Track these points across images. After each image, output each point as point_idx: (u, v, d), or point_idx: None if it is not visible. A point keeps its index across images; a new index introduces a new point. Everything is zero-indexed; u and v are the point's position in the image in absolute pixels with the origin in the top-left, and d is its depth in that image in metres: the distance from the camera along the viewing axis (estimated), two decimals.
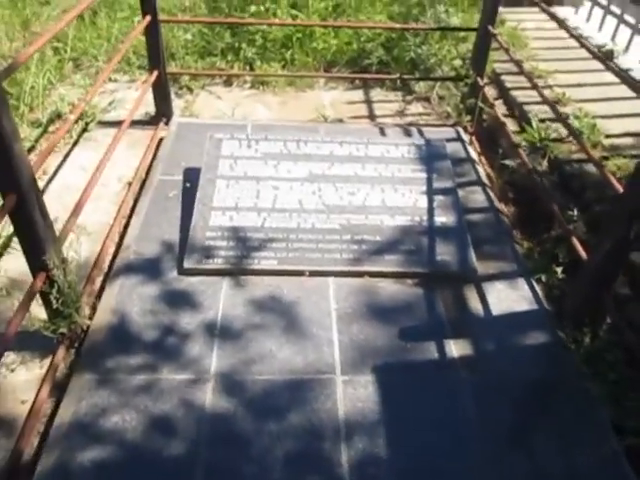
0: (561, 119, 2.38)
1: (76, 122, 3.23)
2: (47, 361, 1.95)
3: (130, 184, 2.75)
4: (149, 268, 2.12)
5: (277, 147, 2.50)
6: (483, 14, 3.01)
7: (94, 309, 2.02)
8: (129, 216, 2.51)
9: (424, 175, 2.46)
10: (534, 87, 2.56)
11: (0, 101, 1.45)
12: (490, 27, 3.00)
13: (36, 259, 1.73)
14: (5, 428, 1.75)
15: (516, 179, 2.79)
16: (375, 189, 2.37)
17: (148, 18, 2.89)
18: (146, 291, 2.02)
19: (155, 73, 3.06)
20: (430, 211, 2.32)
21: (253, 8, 3.81)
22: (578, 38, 2.67)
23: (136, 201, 2.57)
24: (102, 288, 2.14)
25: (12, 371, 1.93)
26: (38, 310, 2.00)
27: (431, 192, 2.39)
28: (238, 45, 3.77)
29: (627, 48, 3.82)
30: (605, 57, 3.81)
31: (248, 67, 3.79)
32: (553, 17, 2.79)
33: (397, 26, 3.53)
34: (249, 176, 2.38)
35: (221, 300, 2.00)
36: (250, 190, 2.32)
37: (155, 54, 3.04)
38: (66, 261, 1.84)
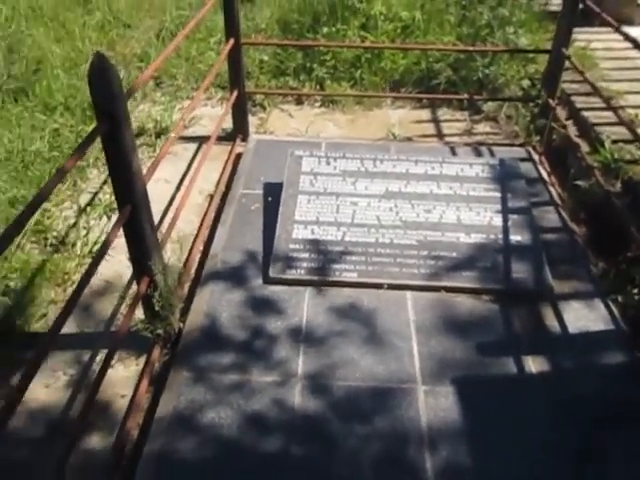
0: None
1: (158, 137, 3.45)
2: (142, 359, 2.10)
3: (211, 196, 2.92)
4: (236, 276, 2.25)
5: (354, 165, 2.61)
6: (557, 36, 3.05)
7: (185, 312, 2.16)
8: (212, 227, 2.67)
9: (498, 194, 2.51)
10: (611, 109, 2.58)
11: (124, 120, 1.61)
12: (564, 49, 3.04)
13: (142, 265, 1.89)
14: (107, 419, 1.91)
15: (588, 200, 2.80)
16: (450, 207, 2.44)
17: (232, 41, 3.07)
18: (234, 297, 2.16)
19: (235, 92, 3.24)
20: (505, 229, 2.37)
21: (325, 29, 3.96)
22: None
23: (219, 213, 2.73)
24: (191, 293, 2.29)
25: (111, 367, 2.09)
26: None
27: (506, 211, 2.44)
28: (310, 65, 3.93)
29: None
30: None
31: (318, 86, 3.93)
32: (627, 37, 2.80)
33: (470, 49, 3.60)
34: (329, 192, 2.49)
35: (304, 308, 2.11)
36: (330, 205, 2.44)
37: (236, 74, 3.22)
38: (167, 267, 1.99)
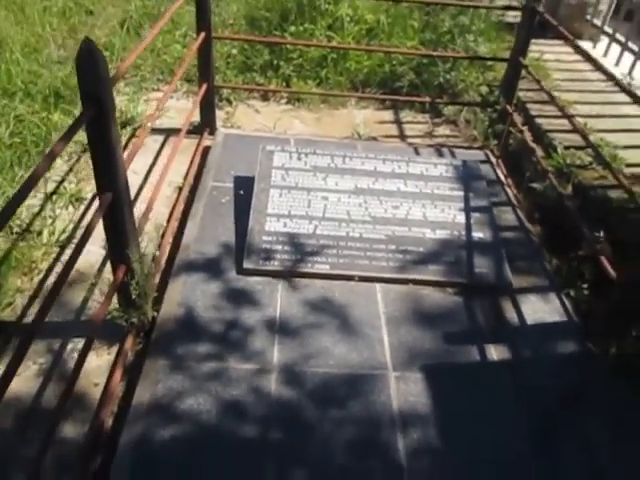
0: (592, 147, 2.57)
1: (123, 127, 3.41)
2: (115, 348, 2.10)
3: (180, 189, 2.92)
4: (209, 267, 2.28)
5: (325, 161, 2.68)
6: (515, 46, 3.22)
7: (159, 302, 2.17)
8: (182, 219, 2.68)
9: (461, 193, 2.64)
10: (566, 117, 2.75)
11: (110, 106, 1.62)
12: (521, 58, 3.21)
13: (119, 252, 1.89)
14: (81, 407, 1.90)
15: (543, 201, 2.97)
16: (417, 204, 2.55)
17: (203, 35, 3.08)
18: (208, 288, 2.18)
19: (204, 86, 3.24)
20: (468, 227, 2.49)
21: (292, 28, 4.01)
22: (606, 71, 2.88)
23: (189, 205, 2.74)
24: (163, 284, 2.29)
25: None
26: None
27: (468, 209, 2.57)
28: (277, 62, 3.97)
29: None
30: (621, 91, 4.04)
31: (285, 83, 3.98)
32: (581, 51, 3.00)
33: (433, 54, 3.73)
34: (300, 187, 2.55)
35: (278, 299, 2.16)
36: (302, 200, 2.50)
37: (206, 68, 3.23)
38: (143, 255, 2.00)
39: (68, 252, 2.50)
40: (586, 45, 4.82)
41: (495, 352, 2.06)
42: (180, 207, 2.76)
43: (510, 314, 2.24)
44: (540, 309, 2.28)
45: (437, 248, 2.40)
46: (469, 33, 4.01)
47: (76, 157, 3.14)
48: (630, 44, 4.27)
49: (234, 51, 3.98)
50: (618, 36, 4.44)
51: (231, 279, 2.23)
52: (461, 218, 2.53)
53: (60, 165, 3.04)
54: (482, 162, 3.19)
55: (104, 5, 4.44)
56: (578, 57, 4.60)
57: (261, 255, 2.28)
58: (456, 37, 4.03)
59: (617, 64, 4.39)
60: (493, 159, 3.31)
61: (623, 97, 3.93)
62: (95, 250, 2.48)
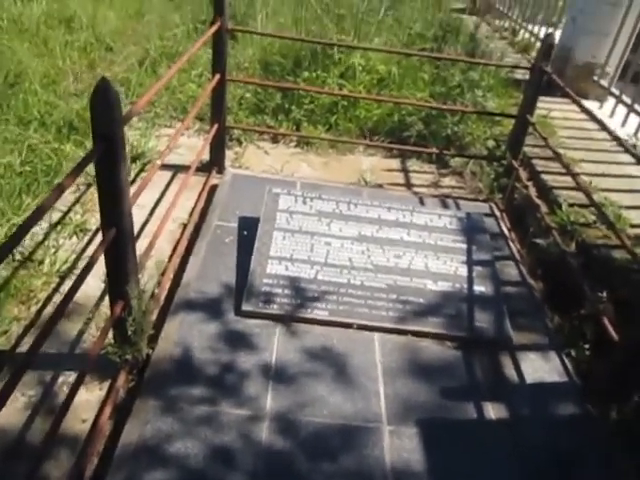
0: (596, 206, 2.58)
1: (133, 162, 3.46)
2: (106, 384, 2.07)
3: (185, 225, 2.94)
4: (208, 306, 2.27)
5: (330, 206, 2.70)
6: (523, 103, 3.28)
7: (154, 340, 2.15)
8: (184, 255, 2.68)
9: (464, 245, 2.64)
10: (570, 174, 2.78)
11: (121, 145, 1.64)
12: (528, 116, 3.26)
13: (118, 288, 1.88)
14: (66, 444, 1.86)
15: (546, 257, 2.97)
16: (419, 254, 2.55)
17: (218, 77, 3.16)
18: (206, 328, 2.17)
19: (216, 126, 3.30)
20: (470, 280, 2.49)
21: (305, 74, 4.11)
22: (611, 132, 2.92)
23: (192, 242, 2.74)
24: (160, 321, 2.27)
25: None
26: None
27: (471, 262, 2.57)
28: (288, 106, 4.05)
29: None
30: (626, 151, 4.09)
31: (295, 127, 4.05)
32: (588, 112, 3.05)
33: (444, 107, 3.79)
34: (304, 231, 2.56)
35: (275, 343, 2.14)
36: (305, 244, 2.50)
37: (218, 109, 3.30)
38: (142, 292, 1.99)
39: (68, 283, 2.50)
40: (593, 105, 4.91)
41: (493, 410, 2.02)
42: (183, 244, 2.76)
43: (509, 371, 2.21)
44: (540, 367, 2.24)
45: (438, 300, 2.38)
46: (478, 88, 4.10)
47: (84, 188, 3.17)
48: (636, 106, 4.35)
49: (247, 94, 4.06)
50: (624, 98, 4.52)
51: (229, 320, 2.21)
52: (463, 271, 2.52)
53: (67, 195, 3.07)
54: (486, 215, 3.21)
55: (124, 42, 4.57)
56: (585, 116, 4.68)
57: (261, 298, 2.26)
58: (465, 91, 4.11)
59: (623, 125, 4.46)
60: (497, 212, 3.33)
61: (628, 158, 3.99)
62: (94, 282, 2.46)
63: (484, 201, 3.51)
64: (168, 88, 4.17)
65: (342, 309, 2.28)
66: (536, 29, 6.05)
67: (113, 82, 1.61)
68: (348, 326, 2.24)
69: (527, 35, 6.18)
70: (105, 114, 1.55)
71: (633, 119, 4.37)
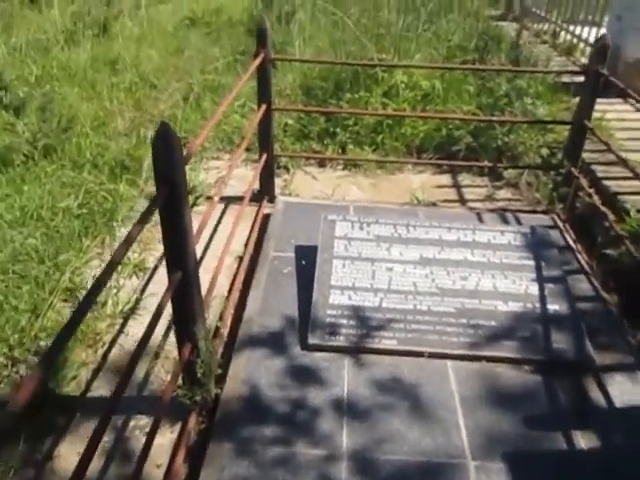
0: None
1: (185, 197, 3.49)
2: (177, 427, 2.04)
3: (241, 258, 2.92)
4: (273, 342, 2.22)
5: (387, 230, 2.63)
6: (579, 109, 3.15)
7: (222, 379, 2.11)
8: (243, 289, 2.65)
9: (532, 262, 2.52)
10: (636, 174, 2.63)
11: (183, 188, 1.63)
12: (586, 121, 3.13)
13: (185, 330, 1.86)
14: None
15: (619, 269, 2.81)
16: (486, 275, 2.44)
17: (264, 107, 3.16)
18: (272, 364, 2.12)
19: (264, 155, 3.30)
20: (542, 298, 2.36)
21: (348, 96, 4.08)
22: None
23: (249, 275, 2.72)
24: (226, 359, 2.24)
25: (145, 434, 2.03)
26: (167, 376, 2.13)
27: (541, 279, 2.44)
28: (333, 130, 4.02)
29: None
30: None
31: (341, 150, 4.01)
32: None
33: (494, 119, 3.70)
34: (363, 257, 2.50)
35: (345, 377, 2.07)
36: (366, 271, 2.44)
37: (266, 139, 3.30)
38: (208, 332, 1.97)
39: (131, 324, 2.51)
40: None
41: (582, 440, 1.89)
42: (241, 277, 2.74)
43: (595, 395, 2.07)
44: (628, 390, 2.09)
45: (510, 322, 2.27)
46: (527, 96, 3.97)
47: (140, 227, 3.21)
48: None
49: (291, 121, 4.06)
50: None
51: (296, 355, 2.16)
52: (534, 289, 2.40)
53: (124, 234, 3.10)
54: (549, 227, 3.07)
55: (167, 79, 4.67)
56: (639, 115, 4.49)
57: (326, 330, 2.21)
58: (513, 100, 3.99)
59: None
60: (560, 224, 3.19)
61: None
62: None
63: (544, 212, 3.37)
64: None
65: (411, 337, 2.19)
66: (577, 30, 5.88)
67: (171, 126, 1.60)
68: (419, 355, 2.16)
69: (569, 37, 6.01)
70: (167, 157, 1.54)
71: None
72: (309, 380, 2.05)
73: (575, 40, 5.85)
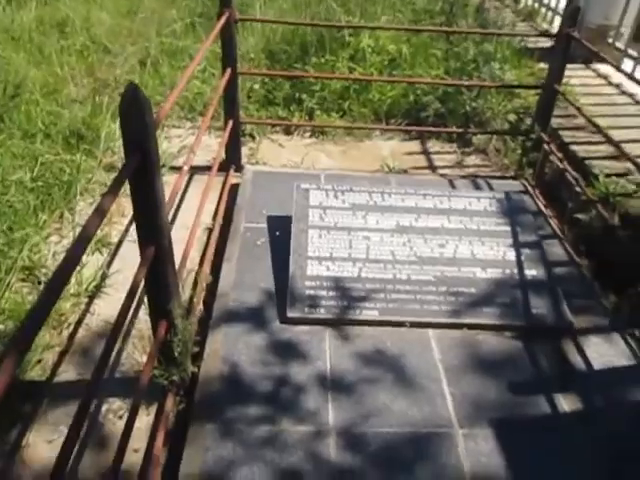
0: None
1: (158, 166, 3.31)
2: (153, 409, 1.95)
3: (210, 230, 2.80)
4: (251, 316, 2.14)
5: (363, 198, 2.56)
6: (550, 72, 3.13)
7: (199, 357, 2.02)
8: (215, 262, 2.55)
9: (508, 228, 2.51)
10: (614, 144, 2.64)
11: (155, 155, 1.50)
12: (556, 85, 3.11)
13: (161, 308, 1.75)
14: (120, 477, 1.74)
15: (590, 233, 2.83)
16: (463, 241, 2.41)
17: (229, 71, 3.00)
18: (252, 339, 2.04)
19: (230, 122, 3.15)
20: (519, 264, 2.36)
21: (314, 60, 3.94)
22: None
23: (221, 247, 2.61)
24: (202, 335, 2.14)
25: (120, 418, 1.93)
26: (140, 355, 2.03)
27: (517, 245, 2.44)
28: (299, 95, 3.89)
29: None
30: None
31: (308, 117, 3.89)
32: (630, 75, 2.89)
33: (465, 83, 3.64)
34: (340, 226, 2.43)
35: (327, 350, 2.01)
36: (343, 240, 2.37)
37: (232, 105, 3.14)
38: (185, 309, 1.87)
39: (97, 302, 2.37)
40: (609, 68, 4.74)
41: (565, 402, 1.90)
42: (211, 250, 2.63)
43: (575, 358, 2.09)
44: (606, 352, 2.12)
45: (490, 288, 2.25)
46: (494, 61, 3.93)
47: (98, 198, 3.03)
48: None
49: (256, 86, 3.90)
50: None
51: (275, 329, 2.08)
52: (511, 255, 2.39)
53: (83, 207, 2.93)
54: (521, 193, 3.06)
55: (122, 43, 4.39)
56: (602, 81, 4.52)
57: (305, 302, 2.14)
58: (481, 65, 3.94)
59: None
60: (530, 189, 3.19)
61: None
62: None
63: (514, 178, 3.37)
64: (173, 87, 4.00)
65: (392, 307, 2.15)
66: None
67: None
68: (400, 325, 2.12)
69: (530, 2, 5.98)
70: (137, 122, 1.41)
71: None
72: (290, 355, 1.99)
73: (537, 5, 5.84)
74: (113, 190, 1.32)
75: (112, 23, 4.71)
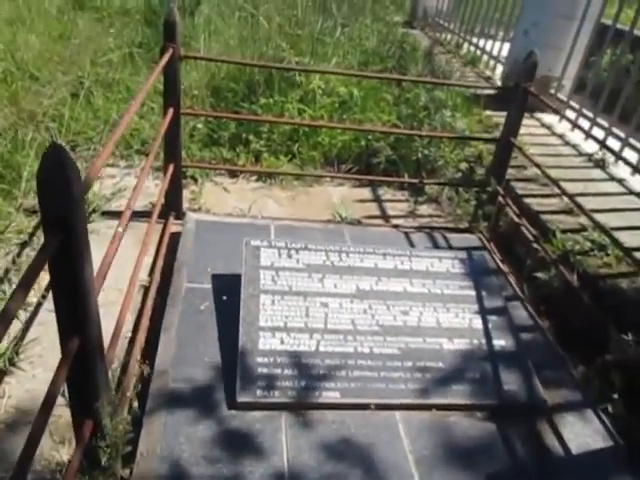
0: (607, 233, 2.39)
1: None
2: None
3: (146, 288, 2.49)
4: (194, 401, 1.85)
5: (319, 258, 2.35)
6: (505, 126, 3.07)
7: (131, 456, 1.70)
8: (151, 329, 2.24)
9: (472, 292, 2.37)
10: (572, 200, 2.58)
11: (82, 230, 1.23)
12: (512, 139, 3.05)
13: (85, 407, 1.45)
14: None
15: (550, 293, 2.74)
16: (427, 308, 2.24)
17: (171, 111, 2.74)
18: (195, 431, 1.75)
19: (171, 166, 2.88)
20: (487, 333, 2.21)
21: (262, 100, 3.74)
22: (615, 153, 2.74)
23: (157, 311, 2.31)
24: (135, 425, 1.82)
25: None
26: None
27: (483, 311, 2.29)
28: (245, 135, 3.67)
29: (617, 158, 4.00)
30: (597, 166, 4.00)
31: (254, 159, 3.67)
32: (593, 137, 2.87)
33: (423, 133, 3.53)
34: (295, 291, 2.20)
35: (284, 441, 1.76)
36: (298, 307, 2.13)
37: (174, 147, 2.88)
38: (115, 406, 1.56)
39: (10, 380, 2.01)
40: (552, 119, 4.83)
41: None
42: (148, 313, 2.32)
43: (551, 441, 1.93)
44: (581, 432, 1.98)
45: (458, 362, 2.08)
46: (445, 108, 3.87)
47: (15, 248, 2.66)
48: (599, 119, 4.27)
49: (199, 125, 3.65)
50: (585, 111, 4.45)
51: (223, 417, 1.80)
52: (477, 322, 2.24)
53: None
54: (478, 248, 2.96)
55: (51, 71, 4.03)
56: (546, 131, 4.59)
57: (257, 384, 1.87)
58: (432, 112, 3.88)
59: (587, 138, 4.38)
60: (486, 243, 3.09)
61: (599, 173, 3.90)
62: (42, 377, 2.01)
63: (469, 231, 3.27)
64: (107, 121, 3.68)
65: (354, 387, 1.93)
66: (481, 42, 5.98)
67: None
68: (365, 407, 1.90)
69: (472, 48, 6.10)
70: (61, 194, 1.13)
71: (596, 132, 4.29)
72: (242, 449, 1.71)
73: (478, 52, 5.95)
74: (25, 283, 1.03)
75: (42, 48, 4.33)
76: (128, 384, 1.90)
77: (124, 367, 2.02)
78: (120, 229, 1.77)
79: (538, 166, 2.86)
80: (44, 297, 2.30)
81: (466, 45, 6.26)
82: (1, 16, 4.84)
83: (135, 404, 1.82)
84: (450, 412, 1.95)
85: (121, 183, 3.27)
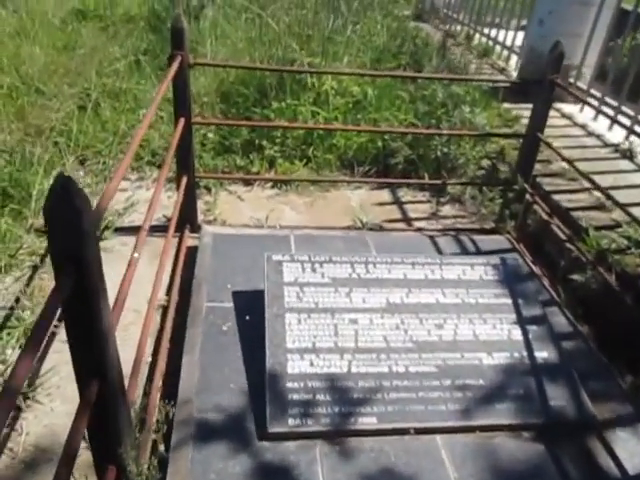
0: None
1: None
2: None
3: (165, 308, 2.39)
4: (222, 432, 1.74)
5: (345, 271, 2.23)
6: (532, 121, 2.92)
7: None
8: (172, 353, 2.13)
9: (508, 300, 2.23)
10: (612, 199, 2.43)
11: (96, 266, 1.12)
12: (539, 134, 2.91)
13: (108, 453, 1.34)
14: None
15: (587, 295, 2.60)
16: (463, 320, 2.11)
17: (182, 121, 2.63)
18: (225, 467, 1.64)
19: (185, 178, 2.77)
20: (527, 344, 2.07)
21: (274, 104, 3.62)
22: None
23: (178, 333, 2.20)
24: (160, 462, 1.70)
25: None
26: None
27: (522, 320, 2.16)
28: (258, 142, 3.55)
29: None
30: (624, 157, 3.83)
31: (268, 165, 3.55)
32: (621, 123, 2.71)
33: (453, 132, 3.37)
34: (321, 308, 2.07)
35: (319, 473, 1.64)
36: (326, 326, 2.01)
37: (186, 158, 2.77)
38: (139, 448, 1.45)
39: (26, 415, 1.91)
40: (573, 108, 4.65)
41: None
42: (167, 335, 2.21)
43: (604, 460, 1.80)
44: (635, 450, 1.84)
45: (499, 378, 1.95)
46: (464, 104, 3.72)
47: (28, 270, 2.56)
48: (624, 108, 4.10)
49: (210, 134, 3.53)
50: (608, 100, 4.28)
51: (254, 449, 1.69)
52: (517, 333, 2.11)
53: (10, 285, 2.46)
54: (508, 250, 2.82)
55: (57, 83, 3.94)
56: (567, 121, 4.42)
57: (289, 411, 1.76)
58: (450, 109, 3.73)
59: (611, 128, 4.21)
60: (516, 244, 2.95)
61: (628, 164, 3.73)
62: (61, 410, 1.91)
63: (496, 232, 3.12)
64: (116, 133, 3.58)
65: (392, 410, 1.80)
66: (493, 32, 5.82)
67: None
68: (404, 432, 1.77)
69: (484, 39, 5.93)
70: (70, 229, 1.02)
71: (622, 121, 4.11)
72: None
73: (490, 43, 5.78)
74: (38, 334, 0.92)
75: (46, 60, 4.24)
76: (151, 420, 1.78)
77: (145, 397, 1.92)
78: (136, 254, 1.66)
79: (569, 162, 2.71)
80: (56, 327, 2.19)
81: (477, 36, 6.09)
82: (4, 30, 4.76)
83: (159, 440, 1.71)
84: (494, 433, 1.82)
85: (134, 197, 3.16)
